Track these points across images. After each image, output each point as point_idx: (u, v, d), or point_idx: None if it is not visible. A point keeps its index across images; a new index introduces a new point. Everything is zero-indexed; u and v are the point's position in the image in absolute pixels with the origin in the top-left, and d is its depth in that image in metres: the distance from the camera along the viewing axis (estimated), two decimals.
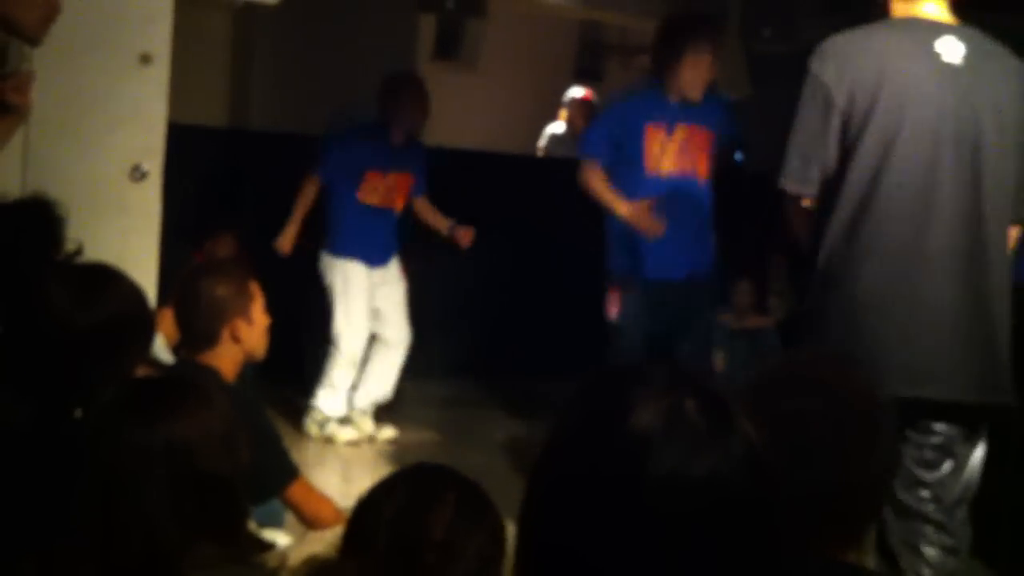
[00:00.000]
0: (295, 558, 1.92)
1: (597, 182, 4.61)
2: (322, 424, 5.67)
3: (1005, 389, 2.83)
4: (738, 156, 5.29)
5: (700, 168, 4.69)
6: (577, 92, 7.96)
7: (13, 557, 1.82)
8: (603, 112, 4.78)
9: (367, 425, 5.76)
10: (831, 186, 2.85)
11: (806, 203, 2.93)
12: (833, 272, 2.83)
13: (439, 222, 5.79)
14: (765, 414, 1.59)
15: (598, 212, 4.74)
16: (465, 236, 5.67)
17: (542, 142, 8.07)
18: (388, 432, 5.81)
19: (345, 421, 5.71)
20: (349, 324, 5.57)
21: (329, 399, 5.65)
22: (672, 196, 4.56)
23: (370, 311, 5.65)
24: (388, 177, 5.63)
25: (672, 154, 4.62)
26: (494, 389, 6.73)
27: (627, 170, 4.62)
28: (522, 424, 5.96)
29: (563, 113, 7.97)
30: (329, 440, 5.65)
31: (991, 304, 2.80)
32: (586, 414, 1.13)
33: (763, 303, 6.25)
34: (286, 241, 5.58)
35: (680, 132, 4.62)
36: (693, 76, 4.56)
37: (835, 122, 2.81)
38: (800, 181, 2.88)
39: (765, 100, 5.95)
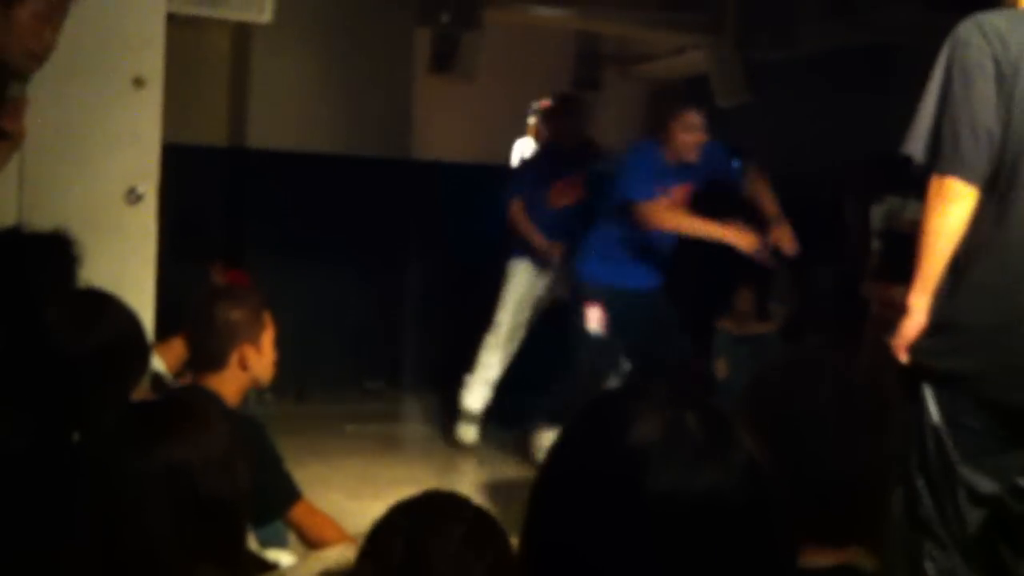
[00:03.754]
0: None
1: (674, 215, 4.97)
2: (467, 419, 5.93)
3: None
4: (735, 163, 5.31)
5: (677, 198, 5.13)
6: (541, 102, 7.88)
7: None
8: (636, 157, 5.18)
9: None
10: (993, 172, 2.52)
11: (965, 188, 2.48)
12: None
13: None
14: (774, 399, 1.59)
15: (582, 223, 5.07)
16: (553, 250, 6.01)
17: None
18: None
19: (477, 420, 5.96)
20: (505, 307, 5.98)
21: (475, 389, 5.92)
22: None
23: (532, 306, 6.02)
24: (563, 180, 6.02)
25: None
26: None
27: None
28: None
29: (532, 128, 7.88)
30: (460, 442, 5.91)
31: None
32: (587, 431, 1.13)
33: (764, 309, 6.23)
34: (552, 248, 5.92)
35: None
36: (686, 140, 5.00)
37: (1000, 96, 2.51)
38: (970, 166, 2.47)
39: (763, 106, 5.96)
